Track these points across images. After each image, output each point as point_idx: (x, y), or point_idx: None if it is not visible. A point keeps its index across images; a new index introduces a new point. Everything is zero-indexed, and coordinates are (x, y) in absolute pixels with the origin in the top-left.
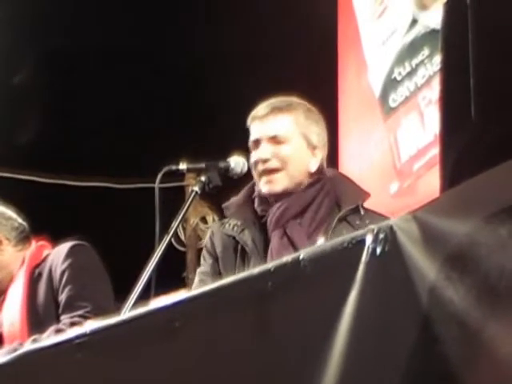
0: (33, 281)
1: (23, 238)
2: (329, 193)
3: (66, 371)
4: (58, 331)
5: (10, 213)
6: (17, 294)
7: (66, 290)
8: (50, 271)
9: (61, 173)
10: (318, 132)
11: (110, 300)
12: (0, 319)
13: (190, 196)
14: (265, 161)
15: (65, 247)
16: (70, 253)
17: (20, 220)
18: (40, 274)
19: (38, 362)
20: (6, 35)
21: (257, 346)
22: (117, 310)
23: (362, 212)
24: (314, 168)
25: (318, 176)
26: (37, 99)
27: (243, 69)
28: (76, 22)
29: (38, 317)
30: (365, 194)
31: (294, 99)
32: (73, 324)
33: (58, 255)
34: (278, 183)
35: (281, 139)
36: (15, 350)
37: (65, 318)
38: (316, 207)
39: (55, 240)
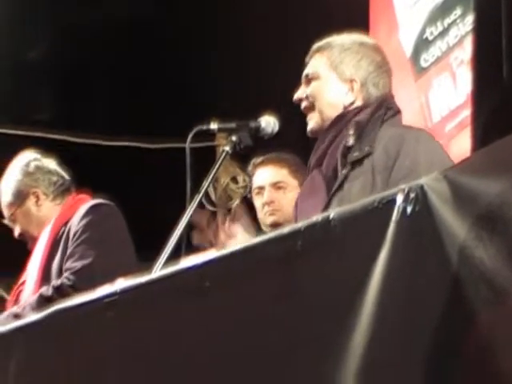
0: (56, 240)
1: (62, 192)
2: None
3: (96, 329)
4: (41, 297)
5: (50, 166)
6: (38, 253)
7: (69, 250)
8: (69, 230)
9: (92, 133)
10: (356, 65)
11: (115, 260)
12: (26, 272)
13: (221, 156)
14: (300, 100)
15: (85, 207)
16: (87, 213)
17: (60, 172)
18: (63, 233)
19: (69, 320)
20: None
21: (285, 305)
22: (129, 267)
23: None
24: (348, 101)
25: (347, 110)
26: (69, 62)
27: (274, 30)
28: None
29: (50, 278)
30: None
31: (340, 36)
32: (56, 287)
33: (78, 215)
34: (311, 121)
35: (310, 77)
36: (17, 315)
37: (53, 281)
38: (333, 150)
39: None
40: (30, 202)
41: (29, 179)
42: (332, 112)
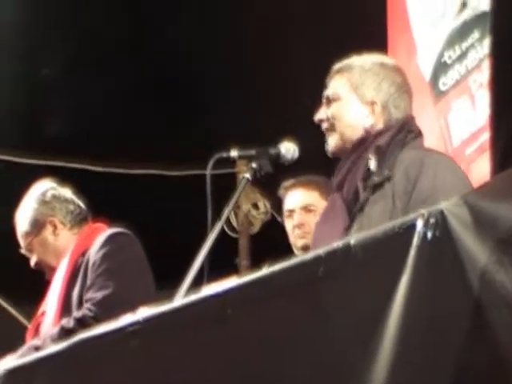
0: (74, 270)
1: (80, 221)
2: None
3: (120, 358)
4: (62, 329)
5: (67, 195)
6: (57, 283)
7: (89, 281)
8: (88, 260)
9: (111, 161)
10: (377, 87)
11: (134, 289)
12: (46, 303)
13: (242, 183)
14: (320, 121)
15: (103, 236)
16: (105, 243)
17: (77, 201)
18: (81, 263)
19: (92, 349)
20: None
21: (308, 330)
22: (149, 296)
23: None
24: (368, 123)
25: (367, 133)
26: (87, 89)
27: (290, 57)
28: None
29: (70, 308)
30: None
31: (360, 57)
32: (78, 319)
33: (96, 245)
34: (331, 142)
35: (331, 99)
36: (37, 347)
37: (75, 312)
38: (353, 174)
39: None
40: (47, 232)
41: (45, 208)
42: (352, 133)
